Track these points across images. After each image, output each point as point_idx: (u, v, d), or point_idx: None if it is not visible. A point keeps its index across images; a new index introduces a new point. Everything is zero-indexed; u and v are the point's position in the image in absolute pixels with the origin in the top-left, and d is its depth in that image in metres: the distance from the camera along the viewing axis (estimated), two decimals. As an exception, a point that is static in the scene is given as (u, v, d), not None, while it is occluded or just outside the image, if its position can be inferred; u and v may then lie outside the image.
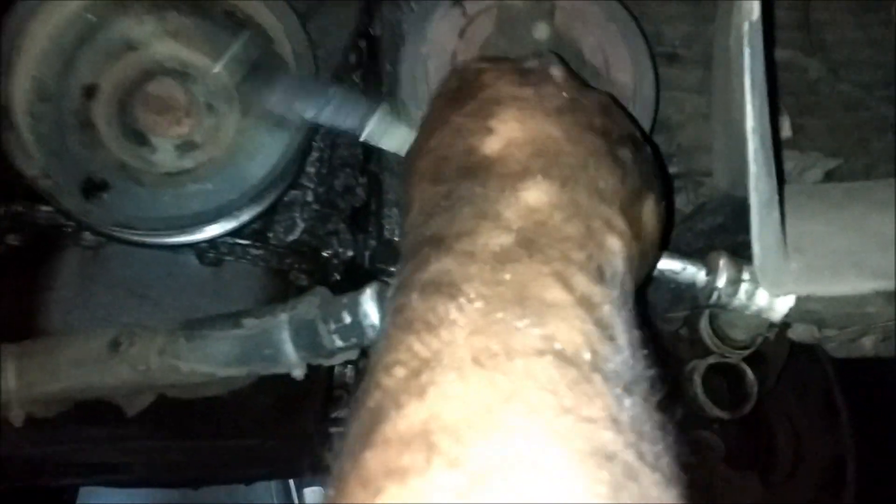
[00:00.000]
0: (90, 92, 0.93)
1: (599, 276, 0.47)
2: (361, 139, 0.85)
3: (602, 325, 0.44)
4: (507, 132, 0.56)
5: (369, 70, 1.06)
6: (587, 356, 0.41)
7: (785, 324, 1.09)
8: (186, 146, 0.95)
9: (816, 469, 1.85)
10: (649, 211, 0.60)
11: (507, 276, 0.45)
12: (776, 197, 0.63)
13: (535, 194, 0.51)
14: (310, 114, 0.85)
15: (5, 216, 1.00)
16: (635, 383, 0.42)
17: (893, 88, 1.13)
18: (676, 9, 1.10)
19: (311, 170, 1.07)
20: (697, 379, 1.28)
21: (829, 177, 1.06)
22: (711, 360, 1.29)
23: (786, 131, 1.04)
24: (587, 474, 0.36)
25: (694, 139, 1.04)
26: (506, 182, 0.52)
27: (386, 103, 0.86)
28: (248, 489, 2.98)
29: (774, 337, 1.27)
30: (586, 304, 0.44)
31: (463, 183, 0.54)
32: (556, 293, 0.44)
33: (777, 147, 0.68)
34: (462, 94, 0.62)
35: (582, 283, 0.46)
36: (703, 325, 1.26)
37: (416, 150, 0.64)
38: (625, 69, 0.94)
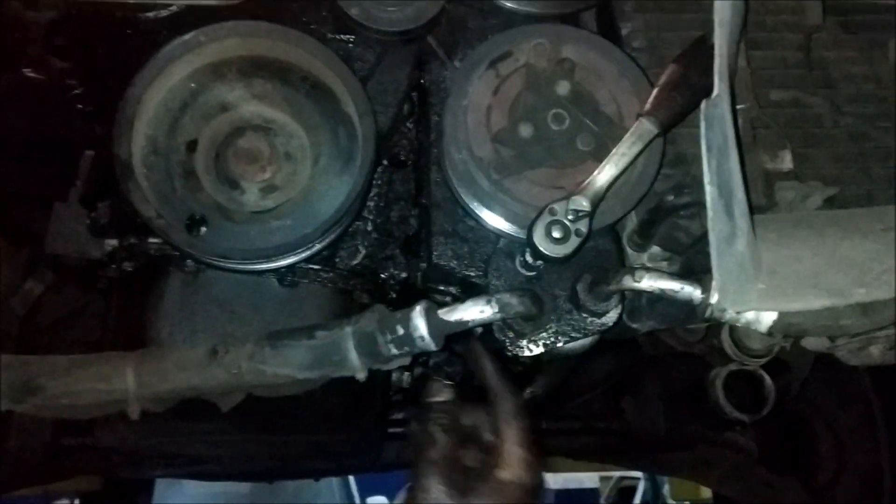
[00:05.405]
0: (192, 146, 1.10)
1: None
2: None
3: None
4: None
5: (419, 119, 1.24)
6: None
7: (799, 335, 1.19)
8: (269, 189, 1.12)
9: (858, 476, 1.89)
10: None
11: None
12: (738, 231, 0.76)
13: None
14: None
15: (122, 248, 1.21)
16: None
17: (894, 119, 1.23)
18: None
19: (370, 203, 1.24)
20: (719, 384, 1.41)
21: (829, 203, 1.16)
22: (732, 367, 1.42)
23: (787, 164, 1.15)
24: None
25: (705, 172, 1.17)
26: None
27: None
28: (315, 493, 3.15)
29: (796, 347, 1.39)
30: None
31: None
32: None
33: (747, 186, 0.81)
34: None
35: None
36: (724, 335, 1.39)
37: None
38: (635, 117, 1.08)
